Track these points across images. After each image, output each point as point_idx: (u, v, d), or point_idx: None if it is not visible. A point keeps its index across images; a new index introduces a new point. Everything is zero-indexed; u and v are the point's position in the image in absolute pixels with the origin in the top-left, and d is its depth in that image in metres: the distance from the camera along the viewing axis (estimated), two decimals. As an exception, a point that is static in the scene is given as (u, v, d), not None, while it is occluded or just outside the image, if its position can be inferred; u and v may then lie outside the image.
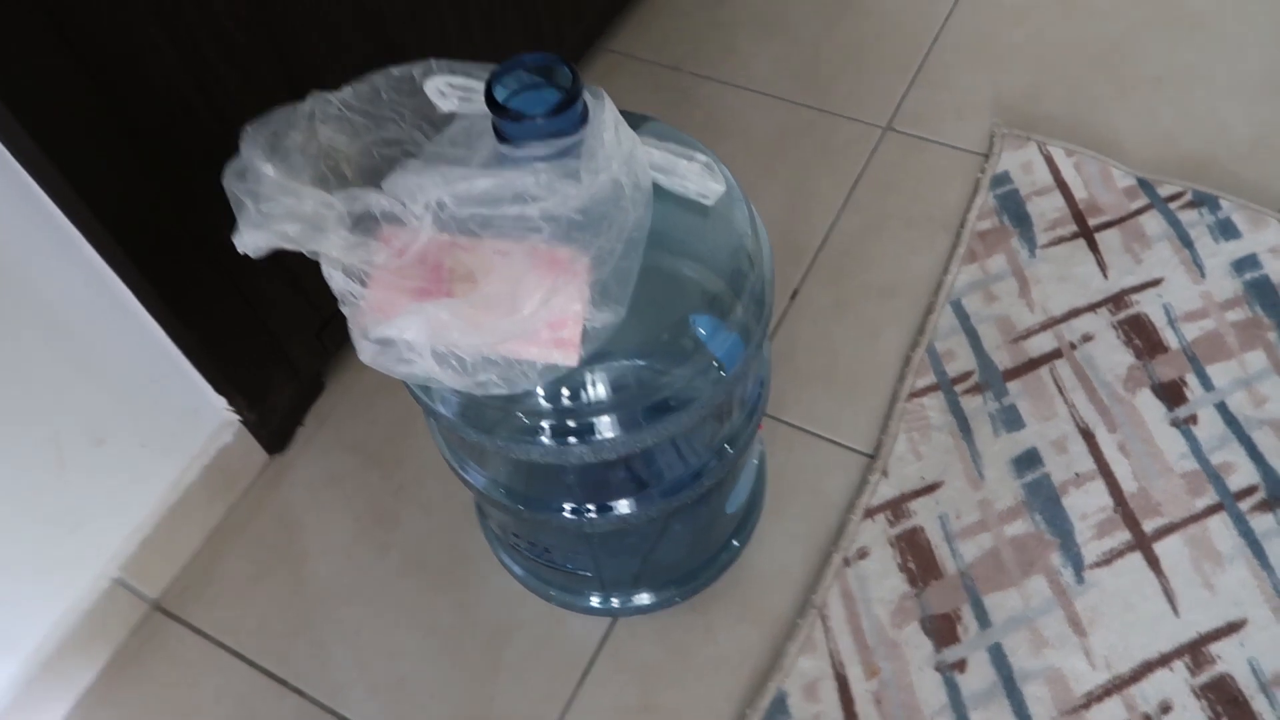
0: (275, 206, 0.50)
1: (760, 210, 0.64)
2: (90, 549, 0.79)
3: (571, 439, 0.57)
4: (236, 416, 0.87)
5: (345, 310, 0.53)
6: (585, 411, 0.56)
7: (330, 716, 0.79)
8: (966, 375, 0.91)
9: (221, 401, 0.85)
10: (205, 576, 0.87)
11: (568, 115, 0.50)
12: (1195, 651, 0.75)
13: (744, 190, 0.65)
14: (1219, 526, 0.80)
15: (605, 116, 0.51)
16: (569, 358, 0.51)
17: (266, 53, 0.75)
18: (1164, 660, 0.75)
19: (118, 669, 0.83)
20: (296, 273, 0.86)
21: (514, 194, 0.49)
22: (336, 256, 0.51)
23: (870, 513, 0.84)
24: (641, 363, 0.57)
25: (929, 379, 0.91)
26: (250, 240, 0.51)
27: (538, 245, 0.50)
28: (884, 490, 0.85)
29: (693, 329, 0.58)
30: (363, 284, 0.52)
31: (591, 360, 0.52)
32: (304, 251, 0.51)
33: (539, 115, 0.49)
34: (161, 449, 0.81)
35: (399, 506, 0.90)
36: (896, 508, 0.84)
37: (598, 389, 0.56)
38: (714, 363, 0.59)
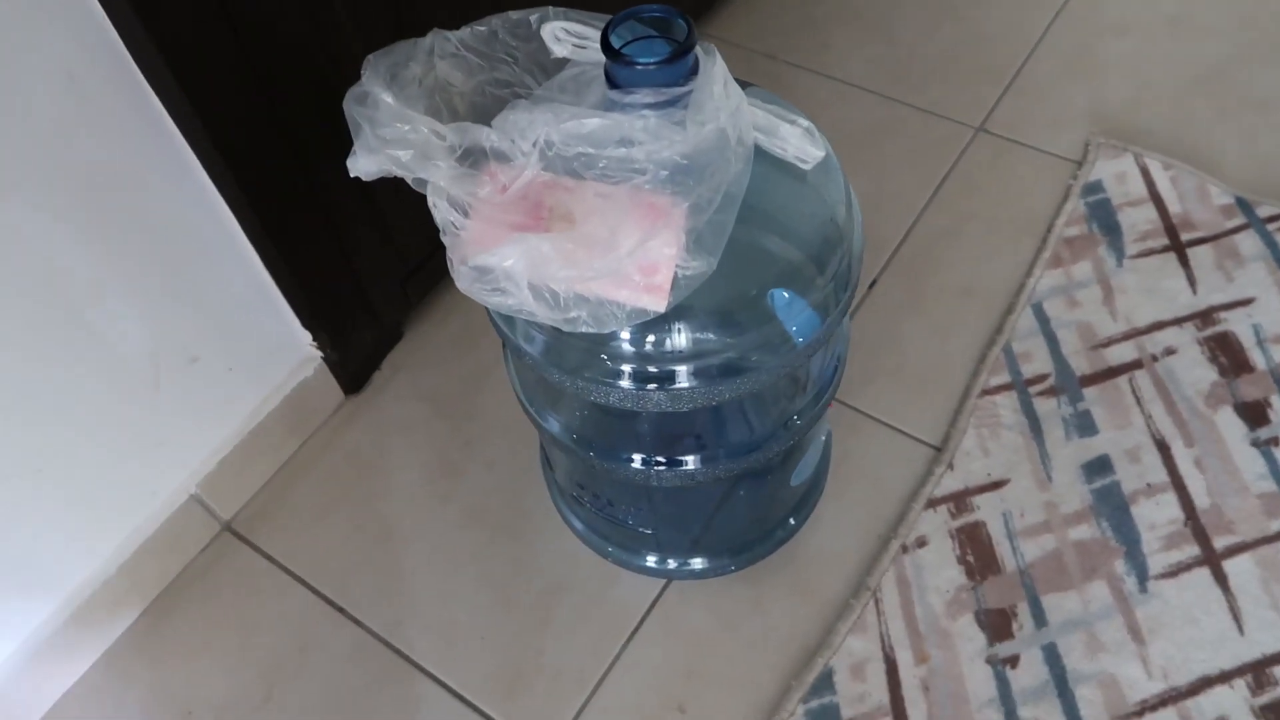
0: (390, 132, 0.52)
1: None
2: (174, 462, 0.82)
3: (651, 385, 0.58)
4: (319, 353, 0.90)
5: (445, 240, 0.54)
6: (666, 359, 0.58)
7: (384, 647, 0.82)
8: (1042, 377, 0.90)
9: (306, 336, 0.88)
10: (276, 504, 0.90)
11: (679, 65, 0.51)
12: (1259, 671, 0.74)
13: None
14: (1293, 551, 0.79)
15: (715, 71, 0.52)
16: (658, 303, 0.52)
17: (384, 4, 0.77)
18: (1224, 677, 0.74)
19: (187, 582, 0.86)
20: (388, 222, 0.89)
21: (621, 136, 0.50)
22: (443, 186, 0.53)
23: (932, 503, 0.84)
24: (719, 321, 0.58)
25: (1003, 378, 0.90)
26: (363, 164, 0.53)
27: (638, 191, 0.51)
28: (948, 483, 0.85)
29: (773, 295, 0.58)
30: (465, 215, 0.53)
31: (677, 311, 0.53)
32: (411, 179, 0.53)
33: (651, 63, 0.51)
34: (248, 375, 0.85)
35: (465, 459, 0.92)
36: (960, 501, 0.84)
37: (680, 338, 0.57)
38: (788, 332, 0.59)
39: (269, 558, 0.87)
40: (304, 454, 0.93)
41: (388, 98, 0.53)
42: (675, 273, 0.52)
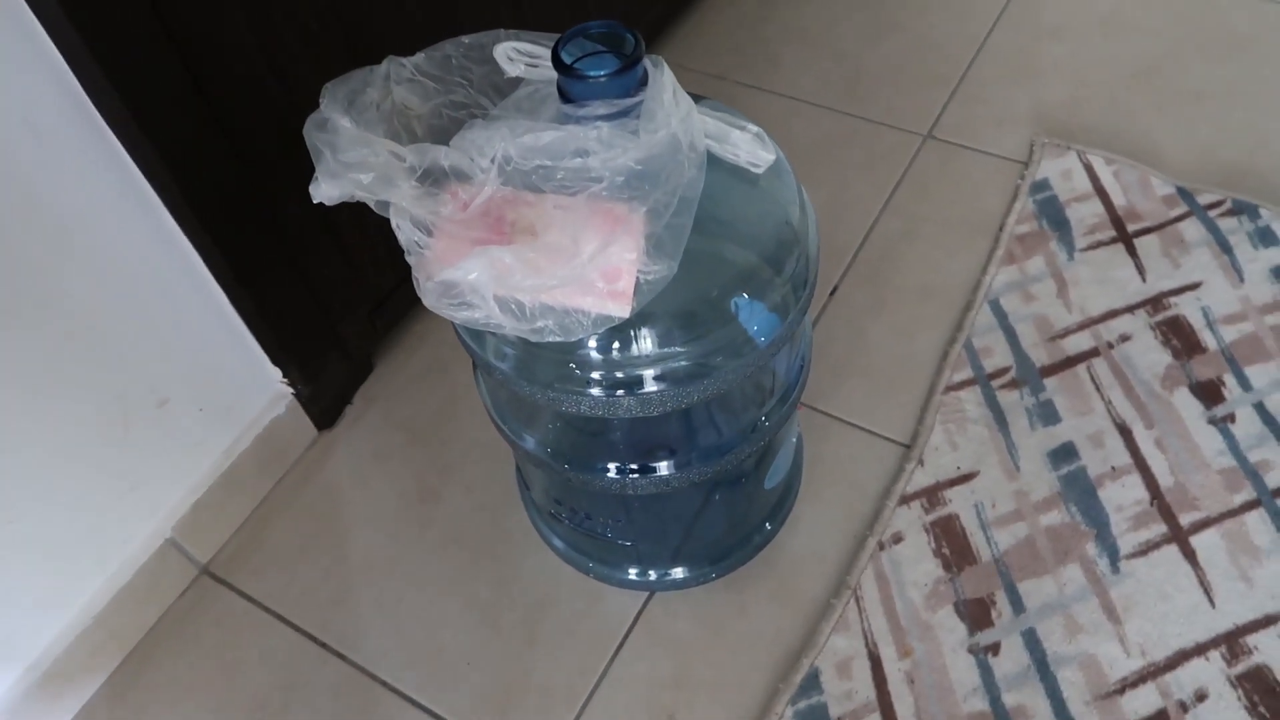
0: (351, 156, 0.53)
1: None
2: (148, 507, 0.81)
3: (620, 391, 0.59)
4: (290, 389, 0.90)
5: (410, 260, 0.55)
6: (634, 364, 0.59)
7: (370, 681, 0.81)
8: (1004, 371, 0.92)
9: (277, 373, 0.88)
10: (253, 544, 0.90)
11: (628, 77, 0.53)
12: (1231, 642, 0.75)
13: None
14: (1256, 522, 0.81)
15: (664, 80, 0.54)
16: (622, 308, 0.53)
17: (337, 38, 0.79)
18: (1200, 650, 0.75)
19: (166, 629, 0.85)
20: (353, 255, 0.90)
21: (576, 147, 0.52)
22: (405, 206, 0.54)
23: (905, 499, 0.85)
24: (682, 325, 0.59)
25: (966, 373, 0.92)
26: (326, 189, 0.54)
27: (596, 199, 0.53)
28: (919, 478, 0.86)
29: (732, 296, 0.60)
30: (429, 234, 0.54)
31: (641, 316, 0.55)
32: (374, 203, 0.54)
33: (602, 75, 0.52)
34: (219, 415, 0.85)
35: (442, 485, 0.92)
36: (932, 495, 0.85)
37: (646, 343, 0.58)
38: (757, 325, 0.61)
39: (249, 598, 0.86)
40: (280, 492, 0.93)
41: (347, 123, 0.54)
42: (637, 278, 0.53)
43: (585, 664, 0.80)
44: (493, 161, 0.53)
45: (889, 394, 0.93)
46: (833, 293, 1.01)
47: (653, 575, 0.80)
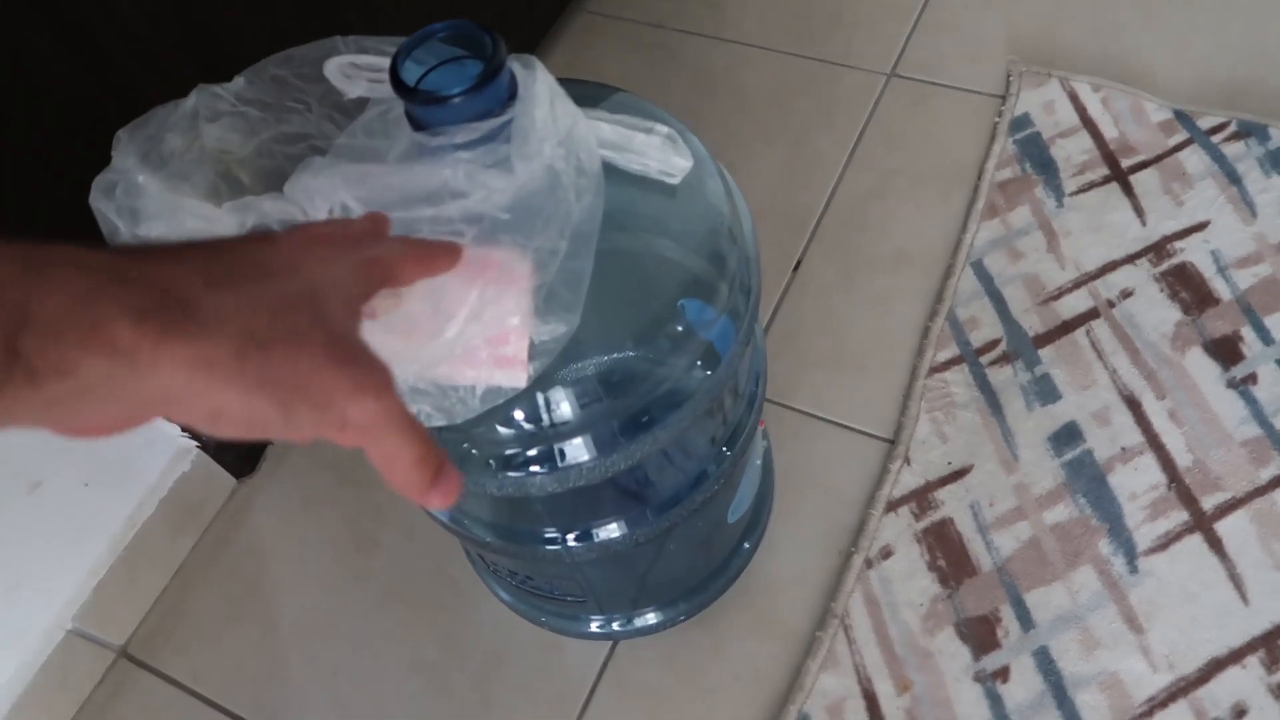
0: (155, 225, 0.42)
1: (756, 174, 0.57)
2: (37, 602, 0.72)
3: (536, 468, 0.49)
4: (194, 442, 0.80)
5: (251, 340, 0.45)
6: (549, 436, 0.48)
7: (313, 765, 0.73)
8: (993, 344, 0.82)
9: (174, 428, 0.78)
10: (174, 616, 0.80)
11: (490, 91, 0.41)
12: (1270, 644, 0.67)
13: (737, 154, 0.56)
14: (1288, 500, 0.72)
15: (538, 89, 0.43)
16: (515, 378, 0.43)
17: (177, 44, 0.67)
18: (1235, 657, 0.67)
19: (85, 724, 0.77)
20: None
21: (429, 192, 0.41)
22: (233, 278, 0.43)
23: (892, 506, 0.76)
24: (616, 365, 0.49)
25: (951, 351, 0.82)
26: (129, 267, 0.43)
27: (470, 249, 0.42)
28: (906, 479, 0.77)
29: (673, 321, 0.50)
30: (268, 308, 0.44)
31: (549, 374, 0.44)
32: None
33: (455, 94, 0.41)
34: (109, 486, 0.75)
35: (378, 529, 0.83)
36: (922, 498, 0.76)
37: (561, 408, 0.48)
38: (699, 358, 0.51)
39: (173, 681, 0.77)
40: (199, 554, 0.83)
41: (145, 181, 0.43)
42: (529, 339, 0.43)
43: (549, 728, 0.72)
44: (330, 214, 0.42)
45: (865, 381, 0.83)
46: (796, 268, 0.91)
47: (616, 625, 0.71)
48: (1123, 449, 0.75)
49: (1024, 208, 0.89)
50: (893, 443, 0.79)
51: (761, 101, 1.03)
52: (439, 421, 0.43)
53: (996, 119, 0.96)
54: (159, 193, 0.43)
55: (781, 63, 1.06)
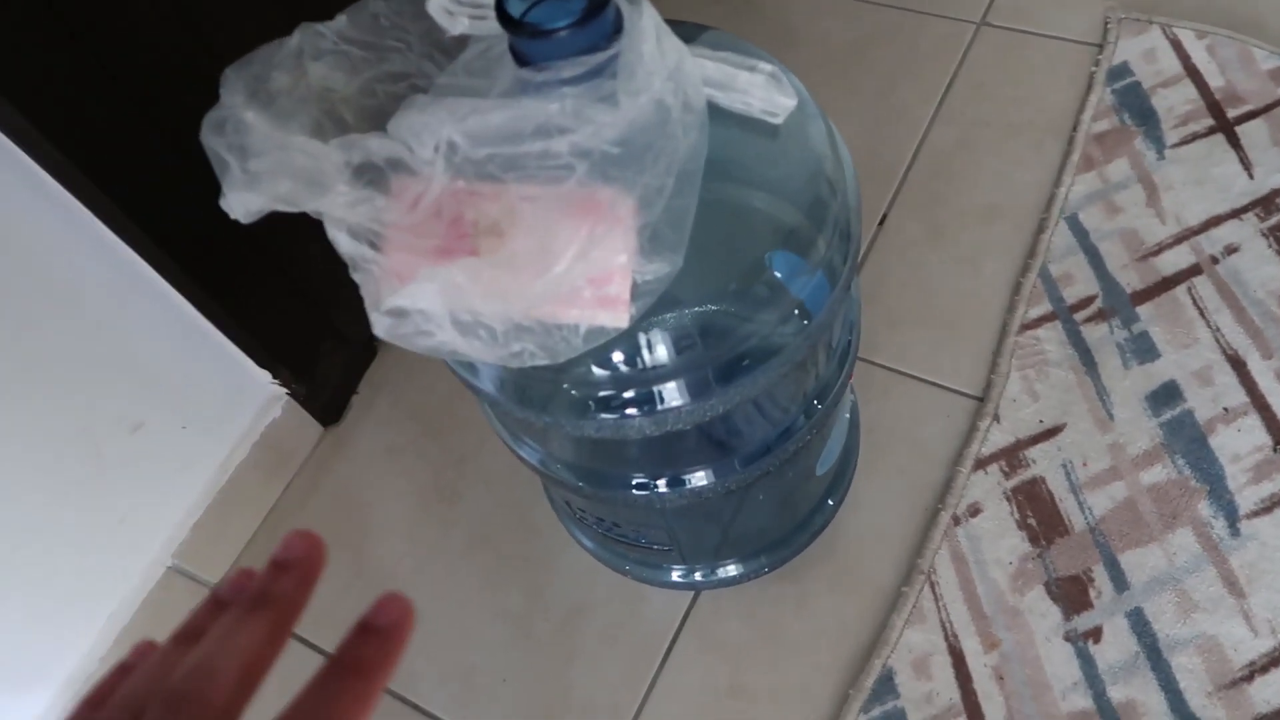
0: (263, 162, 0.43)
1: (839, 127, 0.55)
2: (141, 538, 0.75)
3: (631, 410, 0.49)
4: (284, 389, 0.82)
5: (356, 277, 0.45)
6: (646, 379, 0.48)
7: (400, 704, 0.74)
8: (1088, 301, 0.79)
9: (265, 375, 0.80)
10: (264, 559, 0.82)
11: (596, 25, 0.41)
12: (1381, 613, 0.64)
13: (819, 106, 0.55)
14: (1404, 464, 0.68)
15: (644, 24, 0.42)
16: (618, 319, 0.43)
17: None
18: (1342, 624, 0.64)
19: (183, 660, 0.79)
20: (333, 232, 0.80)
21: (536, 126, 0.40)
22: (339, 216, 0.44)
23: (981, 463, 0.74)
24: (711, 314, 0.49)
25: (1044, 308, 0.80)
26: (239, 203, 0.43)
27: (572, 188, 0.42)
28: (996, 437, 0.75)
29: (769, 271, 0.49)
30: (373, 245, 0.44)
31: (648, 318, 0.44)
32: (306, 212, 0.44)
33: (560, 28, 0.40)
34: (205, 430, 0.77)
35: (461, 479, 0.84)
36: (1012, 456, 0.74)
37: (658, 351, 0.48)
38: (795, 309, 0.50)
39: (265, 620, 0.80)
40: (288, 499, 0.85)
41: (253, 119, 0.43)
42: (633, 279, 0.43)
43: (630, 676, 0.72)
44: (436, 151, 0.42)
45: (954, 338, 0.81)
46: (881, 223, 0.89)
47: (698, 575, 0.71)
48: (1225, 409, 0.73)
49: (1122, 160, 0.86)
50: (981, 400, 0.78)
51: (845, 52, 1.01)
52: (542, 360, 0.43)
53: (1093, 68, 0.92)
54: (267, 130, 0.43)
55: (865, 11, 1.04)
